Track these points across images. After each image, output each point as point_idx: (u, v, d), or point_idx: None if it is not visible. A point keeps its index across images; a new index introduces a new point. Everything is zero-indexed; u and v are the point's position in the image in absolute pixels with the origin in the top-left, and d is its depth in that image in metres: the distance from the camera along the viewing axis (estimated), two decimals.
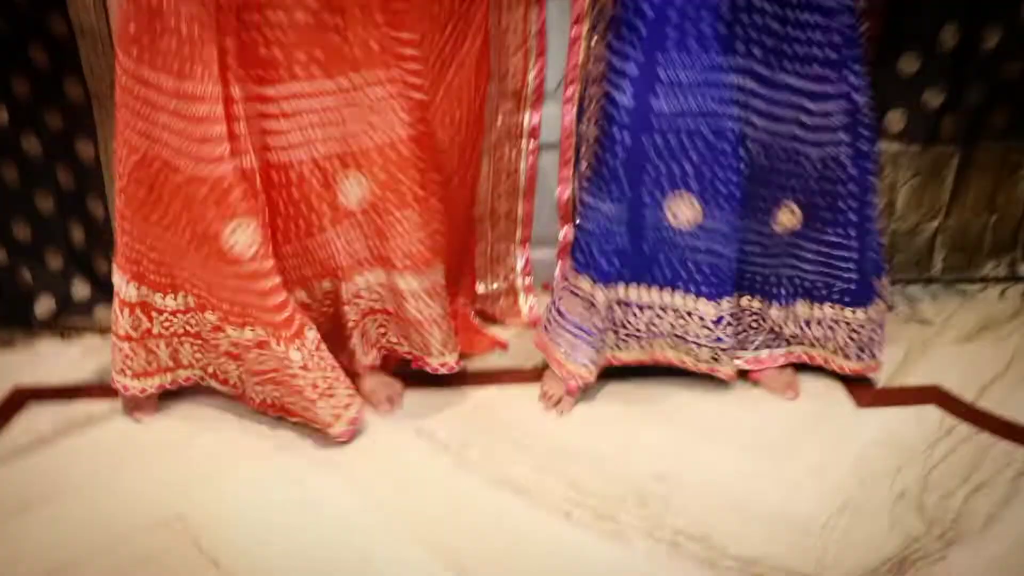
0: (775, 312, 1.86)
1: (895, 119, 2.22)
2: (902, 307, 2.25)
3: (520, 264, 2.25)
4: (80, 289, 2.29)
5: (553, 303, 1.85)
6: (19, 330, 2.24)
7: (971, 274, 2.40)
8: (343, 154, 1.68)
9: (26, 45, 2.07)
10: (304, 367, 1.67)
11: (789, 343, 1.90)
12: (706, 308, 1.76)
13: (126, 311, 1.75)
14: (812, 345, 1.89)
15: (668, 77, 1.57)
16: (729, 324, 1.77)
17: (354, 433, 1.76)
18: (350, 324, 1.86)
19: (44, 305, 2.26)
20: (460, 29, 1.80)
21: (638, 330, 1.81)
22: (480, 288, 2.24)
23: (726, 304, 1.76)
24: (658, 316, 1.80)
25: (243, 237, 1.58)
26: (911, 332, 2.13)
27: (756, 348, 1.90)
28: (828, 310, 1.82)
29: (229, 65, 1.51)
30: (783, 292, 1.84)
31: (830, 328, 1.83)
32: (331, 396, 1.72)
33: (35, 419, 1.86)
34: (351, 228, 1.76)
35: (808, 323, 1.84)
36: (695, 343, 1.79)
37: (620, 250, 1.72)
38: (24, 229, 2.25)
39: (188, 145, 1.54)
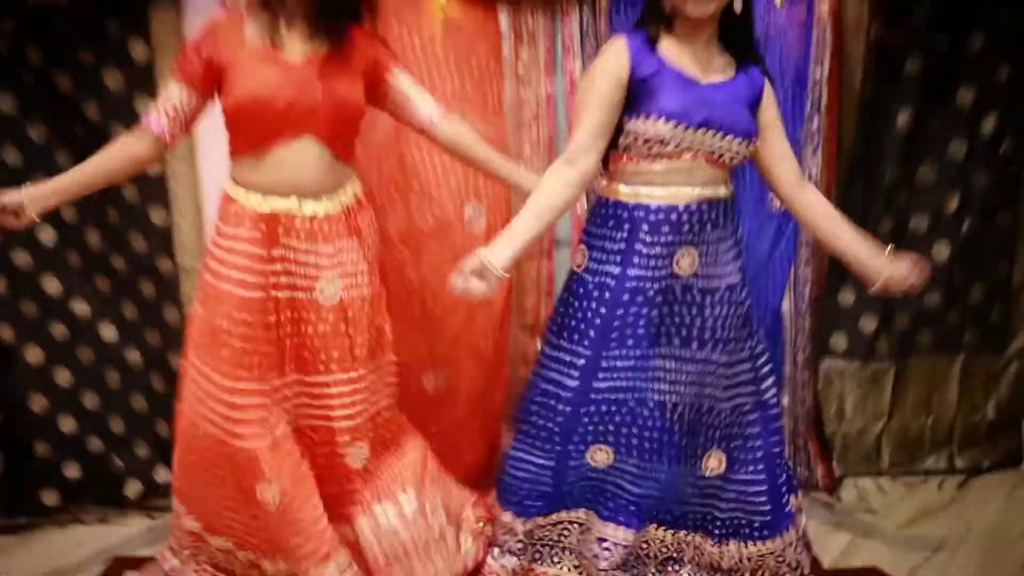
0: (709, 547, 2.17)
1: (838, 341, 2.76)
2: (852, 498, 2.67)
3: None
4: (163, 475, 2.72)
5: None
6: (112, 508, 2.68)
7: (914, 468, 2.84)
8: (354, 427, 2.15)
9: (137, 279, 2.64)
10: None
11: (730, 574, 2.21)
12: (610, 531, 2.16)
13: (185, 535, 2.22)
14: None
15: (608, 364, 2.04)
16: (619, 549, 2.16)
17: None
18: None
19: (133, 487, 2.71)
20: None
21: (551, 540, 2.23)
22: None
23: (624, 532, 2.15)
24: (566, 530, 2.22)
25: (269, 495, 2.03)
26: (858, 520, 2.54)
27: None
28: (753, 548, 2.14)
29: (271, 365, 2.03)
30: (717, 531, 2.17)
31: (760, 559, 2.16)
32: None
33: None
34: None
35: (740, 559, 2.16)
36: (591, 556, 2.19)
37: (542, 493, 2.15)
38: (119, 423, 2.73)
39: (230, 426, 2.02)
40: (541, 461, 2.12)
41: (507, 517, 2.17)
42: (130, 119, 2.44)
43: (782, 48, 2.51)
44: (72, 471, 2.71)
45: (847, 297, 2.72)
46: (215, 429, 2.03)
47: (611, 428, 2.09)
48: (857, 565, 2.32)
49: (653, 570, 2.23)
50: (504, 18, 2.48)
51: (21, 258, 2.58)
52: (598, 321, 2.03)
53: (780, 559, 2.16)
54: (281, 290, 2.02)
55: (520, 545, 2.18)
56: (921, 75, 2.58)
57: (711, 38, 1.94)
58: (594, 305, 2.03)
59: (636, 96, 1.91)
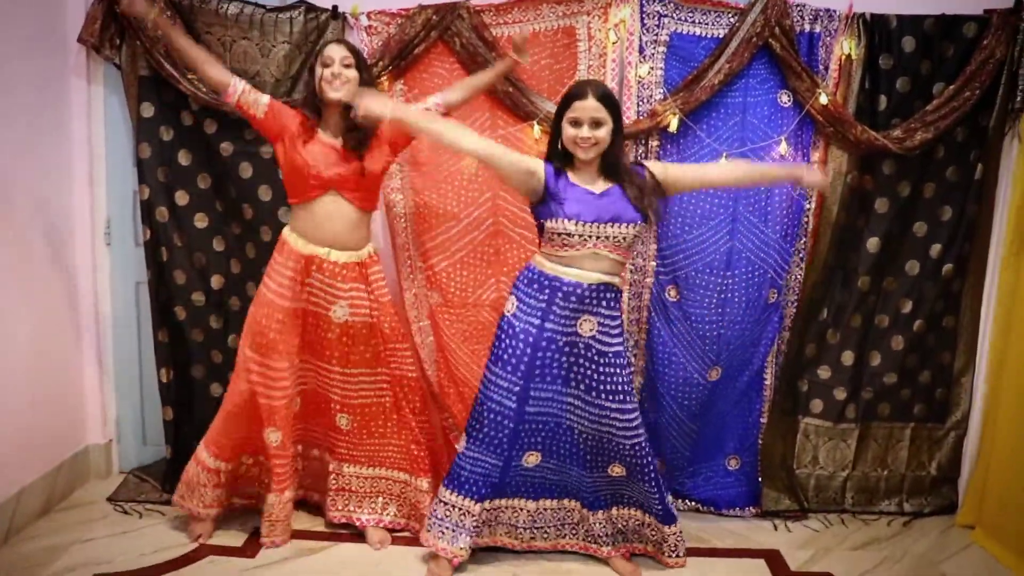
0: (615, 513, 2.89)
1: (816, 405, 3.39)
2: (820, 527, 3.28)
3: None
4: None
5: (433, 512, 2.83)
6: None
7: (871, 509, 3.41)
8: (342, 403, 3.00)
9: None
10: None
11: (628, 539, 2.93)
12: (532, 505, 2.90)
13: (204, 471, 2.97)
14: (640, 541, 2.94)
15: (535, 394, 2.73)
16: (547, 516, 2.92)
17: None
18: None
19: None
20: None
21: (499, 521, 2.91)
22: None
23: (546, 503, 2.91)
24: (513, 512, 2.91)
25: (274, 437, 2.89)
26: (822, 542, 3.18)
27: (604, 541, 2.90)
28: (640, 515, 2.90)
29: (295, 351, 2.90)
30: (621, 505, 2.90)
31: (638, 526, 2.91)
32: None
33: (276, 548, 2.98)
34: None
35: (642, 524, 2.90)
36: (523, 528, 2.92)
37: (493, 483, 2.79)
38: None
39: (266, 391, 2.86)
40: (493, 461, 2.77)
41: (466, 502, 2.78)
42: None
43: (784, 187, 3.16)
44: None
45: (825, 373, 3.35)
46: (254, 388, 2.86)
47: (539, 439, 2.80)
48: (815, 570, 2.96)
49: (569, 531, 2.95)
50: None
51: (198, 297, 3.31)
52: (525, 359, 2.69)
53: (665, 541, 2.89)
54: (309, 305, 2.87)
55: (475, 526, 2.80)
56: (887, 211, 3.22)
57: (597, 168, 2.66)
58: (521, 346, 2.69)
59: (548, 202, 2.62)
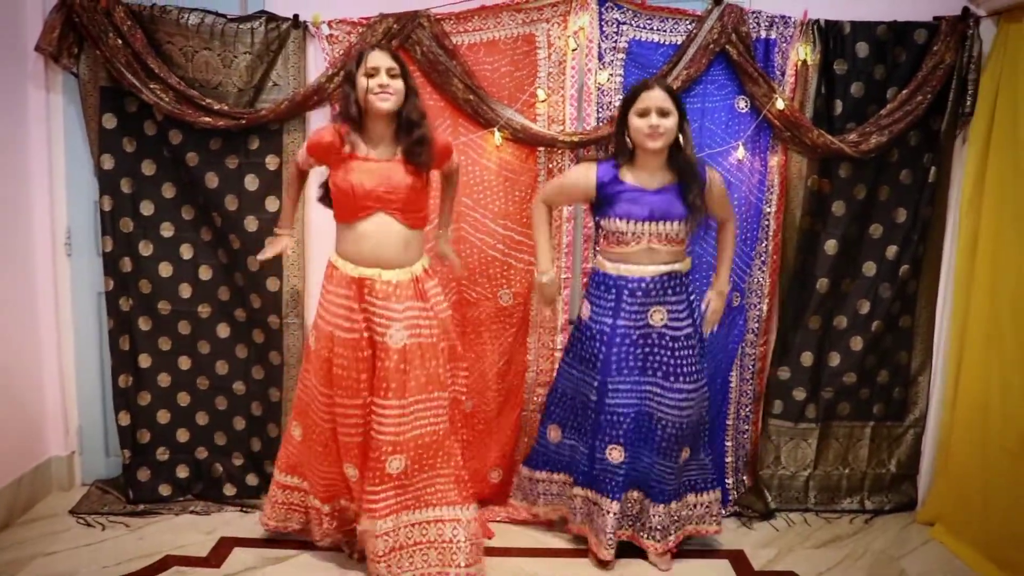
0: (674, 507, 2.94)
1: (777, 406, 3.44)
2: (783, 526, 3.33)
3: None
4: (251, 480, 3.43)
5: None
6: (212, 504, 3.37)
7: (833, 507, 3.46)
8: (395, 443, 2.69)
9: (250, 329, 3.38)
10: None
11: (681, 526, 2.99)
12: (609, 505, 2.91)
13: (278, 489, 2.97)
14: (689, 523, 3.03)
15: (613, 387, 2.86)
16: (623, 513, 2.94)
17: None
18: None
19: (229, 489, 3.41)
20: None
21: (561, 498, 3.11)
22: None
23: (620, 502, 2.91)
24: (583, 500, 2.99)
25: (351, 471, 2.77)
26: (785, 541, 3.22)
27: (656, 536, 2.94)
28: (700, 497, 3.03)
29: (361, 386, 2.71)
30: (680, 496, 2.98)
31: (704, 507, 3.03)
32: None
33: (241, 557, 2.98)
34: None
35: (694, 505, 3.01)
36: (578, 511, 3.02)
37: (581, 471, 2.96)
38: (222, 437, 3.45)
39: (329, 425, 2.76)
40: (581, 448, 2.98)
41: (562, 476, 3.08)
42: (261, 212, 3.23)
43: (742, 190, 3.20)
44: (183, 472, 3.41)
45: (784, 374, 3.39)
46: (318, 424, 2.78)
47: (621, 432, 2.88)
48: (778, 569, 3.00)
49: (626, 523, 2.98)
50: (542, 158, 3.22)
51: (164, 306, 3.32)
52: (601, 356, 2.86)
53: (711, 509, 3.03)
54: (367, 332, 2.68)
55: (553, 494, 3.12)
56: (844, 214, 3.27)
57: (661, 161, 2.78)
58: (598, 345, 2.87)
59: (601, 203, 2.80)
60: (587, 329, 2.91)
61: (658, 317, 2.84)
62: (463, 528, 2.76)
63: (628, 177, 2.80)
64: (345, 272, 2.70)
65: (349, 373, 2.69)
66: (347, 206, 2.67)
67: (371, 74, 2.62)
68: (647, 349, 2.87)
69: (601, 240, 2.89)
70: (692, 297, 2.91)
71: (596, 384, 2.88)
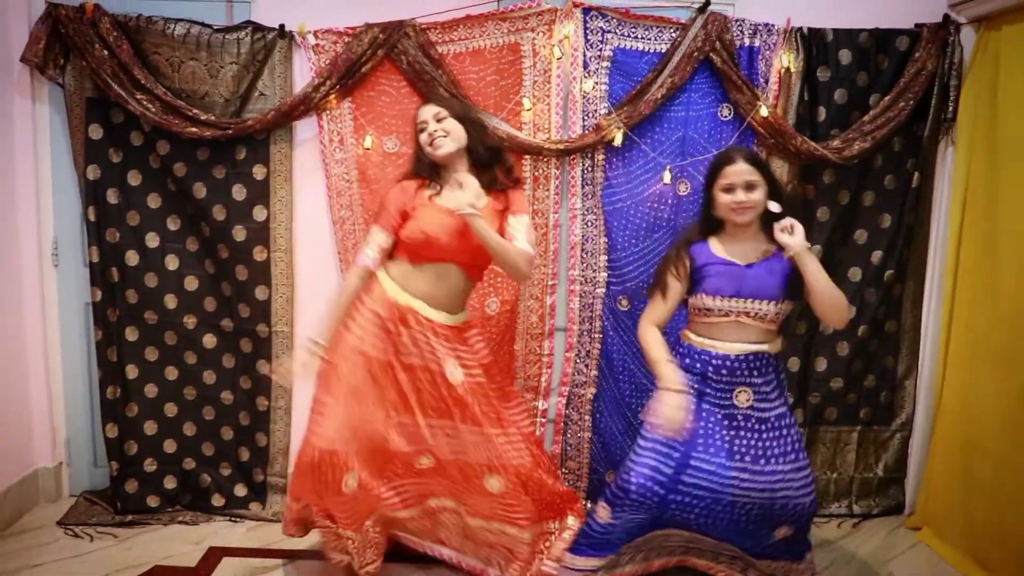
0: (766, 565, 2.71)
1: None
2: None
3: None
4: (240, 490, 3.42)
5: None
6: (201, 514, 3.37)
7: (822, 512, 3.47)
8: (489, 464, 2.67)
9: (238, 339, 3.37)
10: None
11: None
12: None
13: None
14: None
15: (695, 464, 2.52)
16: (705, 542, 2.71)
17: None
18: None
19: (217, 499, 3.41)
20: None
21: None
22: None
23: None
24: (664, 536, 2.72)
25: (352, 482, 2.60)
26: None
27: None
28: (785, 564, 2.71)
29: (396, 406, 2.66)
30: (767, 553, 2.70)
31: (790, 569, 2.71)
32: None
33: (230, 568, 2.97)
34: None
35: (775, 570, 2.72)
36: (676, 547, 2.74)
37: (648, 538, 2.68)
38: (210, 448, 3.44)
39: (352, 440, 2.58)
40: (640, 520, 2.60)
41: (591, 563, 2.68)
42: (249, 221, 3.24)
43: None
44: (171, 483, 3.41)
45: None
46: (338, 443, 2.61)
47: (691, 517, 2.57)
48: None
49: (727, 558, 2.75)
50: (528, 165, 3.23)
51: (151, 316, 3.32)
52: (688, 424, 2.50)
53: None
54: (411, 357, 2.62)
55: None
56: (829, 220, 3.28)
57: (755, 231, 2.57)
58: None
59: (694, 280, 2.58)
60: None
61: (743, 398, 2.57)
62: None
63: (719, 250, 2.60)
64: (390, 296, 2.66)
65: (376, 391, 2.64)
66: (416, 251, 2.65)
67: (421, 129, 2.67)
68: (733, 432, 2.57)
69: (690, 312, 2.67)
70: (783, 376, 2.67)
71: (676, 455, 2.55)
